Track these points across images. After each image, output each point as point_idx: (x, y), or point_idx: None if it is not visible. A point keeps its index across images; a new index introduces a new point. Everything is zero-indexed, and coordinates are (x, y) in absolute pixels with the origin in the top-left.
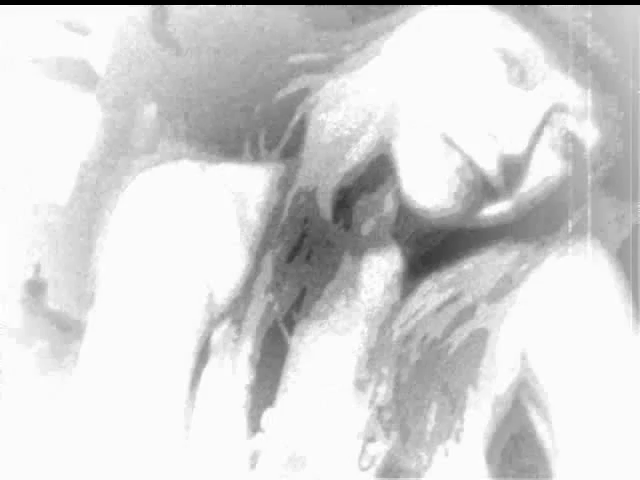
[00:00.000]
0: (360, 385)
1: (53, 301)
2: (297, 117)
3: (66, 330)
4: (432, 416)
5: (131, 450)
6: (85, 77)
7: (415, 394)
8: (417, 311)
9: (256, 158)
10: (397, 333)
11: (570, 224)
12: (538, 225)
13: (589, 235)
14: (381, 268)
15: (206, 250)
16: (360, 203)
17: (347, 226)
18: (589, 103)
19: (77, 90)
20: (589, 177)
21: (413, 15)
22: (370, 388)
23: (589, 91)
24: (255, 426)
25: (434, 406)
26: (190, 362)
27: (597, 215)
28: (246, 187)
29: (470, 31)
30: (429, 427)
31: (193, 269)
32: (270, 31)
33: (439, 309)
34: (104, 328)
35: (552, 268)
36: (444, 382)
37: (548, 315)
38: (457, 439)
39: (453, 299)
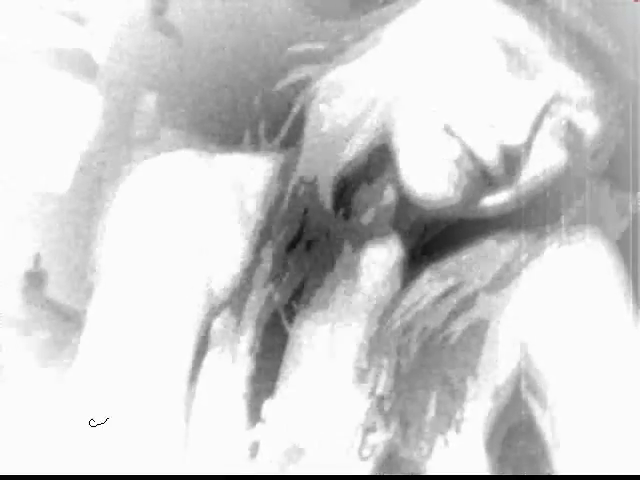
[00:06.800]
0: (360, 375)
1: (53, 291)
2: (297, 107)
3: (66, 320)
4: (432, 406)
5: (131, 440)
6: (85, 67)
7: (415, 384)
8: (417, 301)
9: (256, 148)
10: (397, 323)
11: (570, 214)
12: (538, 215)
13: (588, 225)
14: (381, 258)
15: (206, 240)
16: (360, 193)
17: (347, 216)
18: (589, 93)
19: (77, 80)
20: (589, 167)
21: (413, 5)
22: (370, 378)
23: (589, 81)
24: (255, 416)
25: (434, 396)
26: (190, 352)
27: (597, 205)
28: (246, 177)
29: (470, 21)
30: (429, 417)
31: (193, 259)
32: (270, 21)
33: (439, 299)
34: (104, 318)
35: (552, 258)
36: (444, 372)
37: (548, 305)
38: (457, 429)
39: (453, 289)
